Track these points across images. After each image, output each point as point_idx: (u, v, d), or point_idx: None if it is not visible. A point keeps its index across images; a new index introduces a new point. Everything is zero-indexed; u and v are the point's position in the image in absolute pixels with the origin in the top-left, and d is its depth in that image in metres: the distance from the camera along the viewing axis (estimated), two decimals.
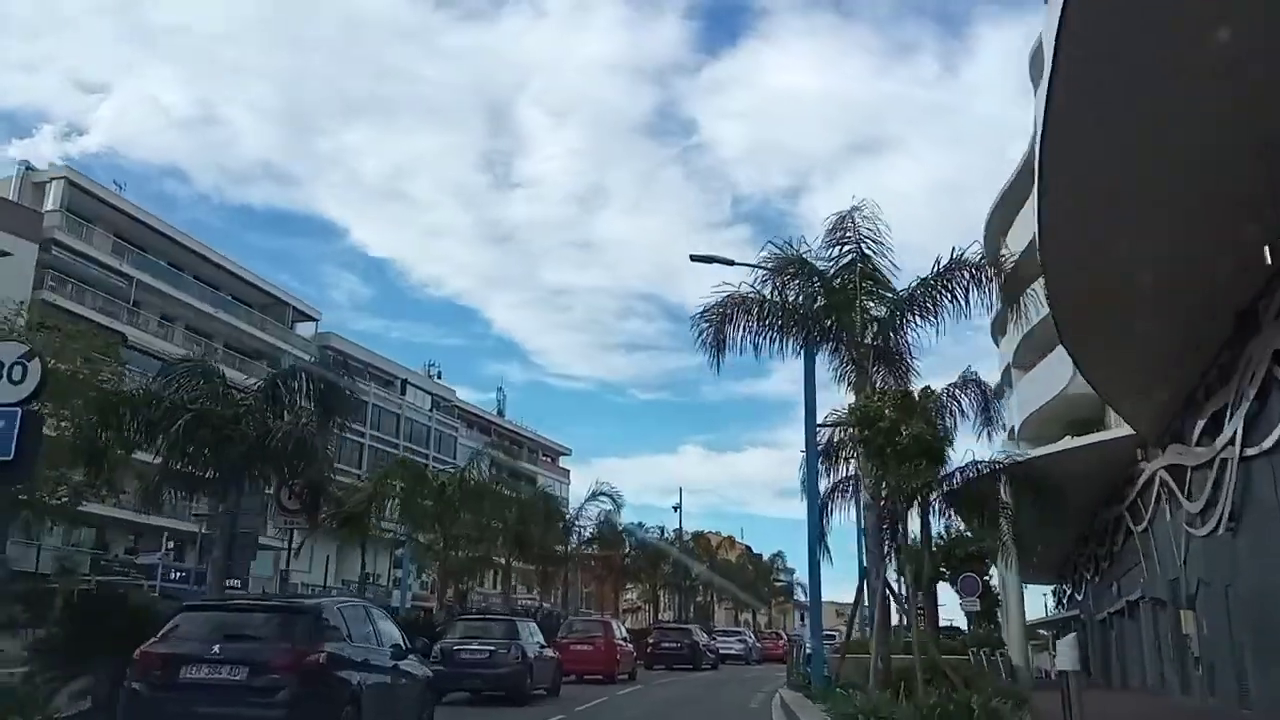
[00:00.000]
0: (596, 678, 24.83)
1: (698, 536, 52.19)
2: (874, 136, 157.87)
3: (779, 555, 65.55)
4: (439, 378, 68.29)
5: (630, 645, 28.96)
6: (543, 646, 19.80)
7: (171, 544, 40.09)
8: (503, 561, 35.35)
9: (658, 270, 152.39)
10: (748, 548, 67.60)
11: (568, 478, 76.24)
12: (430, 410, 64.53)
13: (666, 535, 46.19)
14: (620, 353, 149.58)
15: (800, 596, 68.95)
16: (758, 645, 45.11)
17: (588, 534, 38.44)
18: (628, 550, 42.70)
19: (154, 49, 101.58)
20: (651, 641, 35.44)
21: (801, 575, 74.32)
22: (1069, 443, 27.19)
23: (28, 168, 41.26)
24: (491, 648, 18.01)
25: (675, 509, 45.95)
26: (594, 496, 36.99)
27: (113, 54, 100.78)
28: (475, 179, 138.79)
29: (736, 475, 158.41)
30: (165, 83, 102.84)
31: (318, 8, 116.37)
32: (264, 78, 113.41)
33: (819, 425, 19.02)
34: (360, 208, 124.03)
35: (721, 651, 39.40)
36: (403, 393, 62.50)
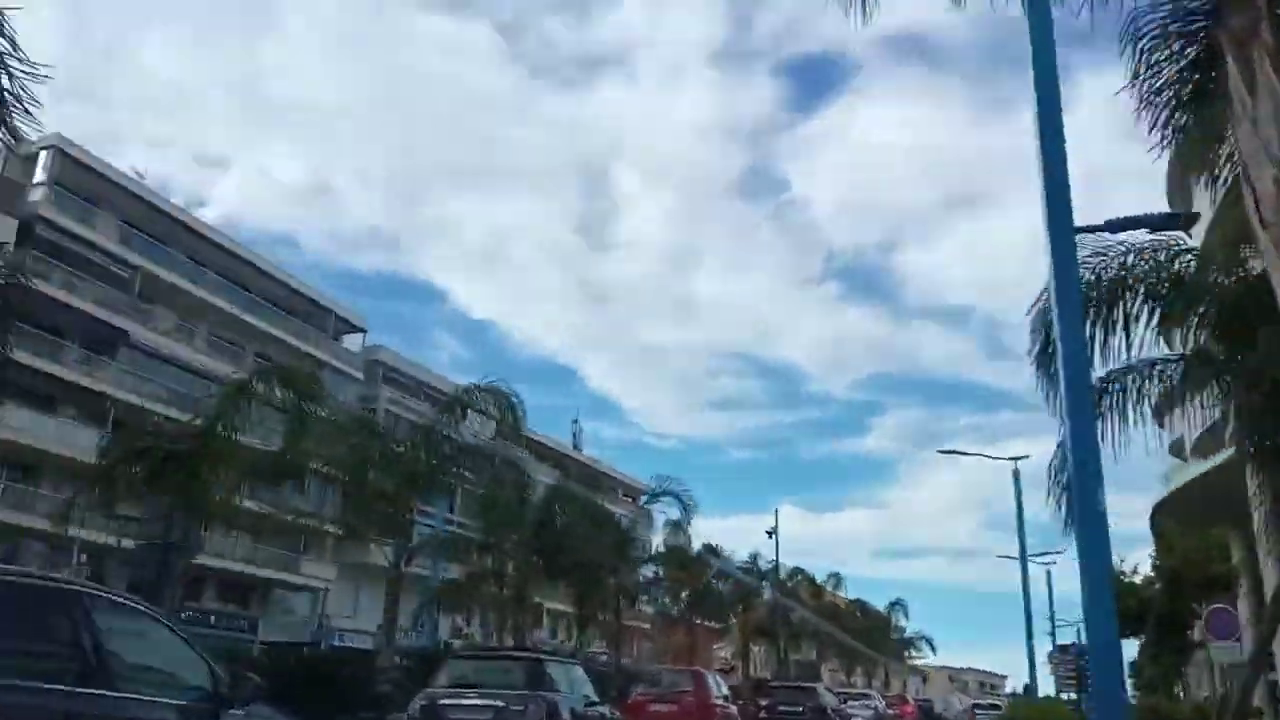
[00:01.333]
0: None
1: (796, 573, 42.53)
2: (969, 191, 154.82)
3: (898, 603, 55.98)
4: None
5: (733, 708, 20.81)
6: (592, 703, 11.81)
7: (84, 557, 31.19)
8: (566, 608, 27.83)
9: (751, 328, 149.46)
10: (858, 600, 56.79)
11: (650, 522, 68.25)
12: (493, 438, 57.25)
13: (758, 569, 37.38)
14: (714, 410, 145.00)
15: (929, 655, 59.16)
16: (888, 712, 36.12)
17: (652, 552, 30.09)
18: (706, 581, 34.13)
19: (272, 123, 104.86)
20: (765, 704, 27.16)
21: (926, 629, 64.32)
22: None
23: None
24: (500, 702, 10.22)
25: (770, 534, 37.23)
26: (655, 498, 28.70)
27: (234, 129, 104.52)
28: (571, 240, 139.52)
29: (835, 536, 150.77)
30: (281, 156, 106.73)
31: (428, 82, 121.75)
32: (373, 148, 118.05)
33: None
34: (461, 272, 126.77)
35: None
36: (463, 416, 55.41)
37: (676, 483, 28.57)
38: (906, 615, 55.43)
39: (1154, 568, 25.45)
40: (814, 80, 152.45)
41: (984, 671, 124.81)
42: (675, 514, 29.32)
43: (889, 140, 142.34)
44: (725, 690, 20.79)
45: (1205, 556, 30.62)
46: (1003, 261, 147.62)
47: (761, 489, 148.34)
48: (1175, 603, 31.57)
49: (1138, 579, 32.79)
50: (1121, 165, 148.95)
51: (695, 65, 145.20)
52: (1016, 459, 27.98)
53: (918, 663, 72.25)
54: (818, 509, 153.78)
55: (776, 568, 35.79)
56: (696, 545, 32.52)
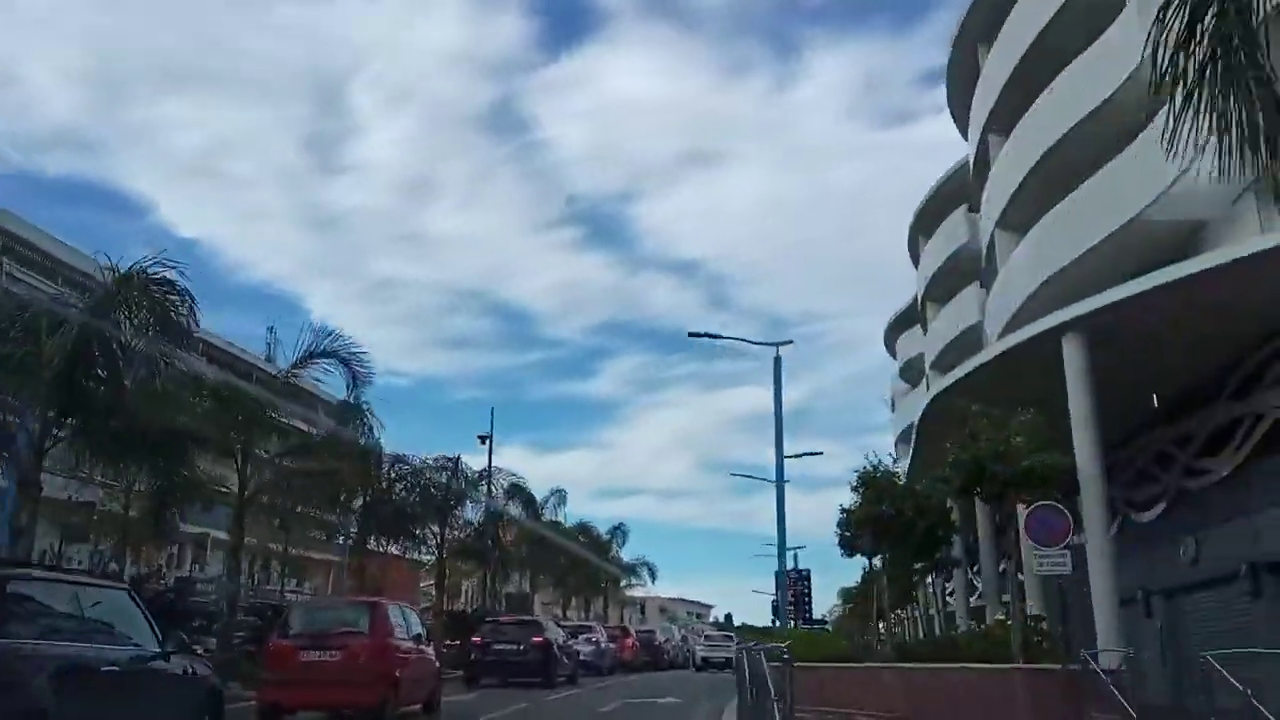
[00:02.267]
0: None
1: (515, 490, 36.70)
2: (707, 148, 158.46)
3: (620, 529, 52.70)
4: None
5: (429, 651, 15.56)
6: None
7: None
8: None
9: (487, 268, 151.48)
10: (583, 523, 49.75)
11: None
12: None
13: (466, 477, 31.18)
14: (445, 348, 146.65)
15: (649, 584, 56.69)
16: (610, 646, 32.29)
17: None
18: (386, 483, 27.30)
19: None
20: (479, 644, 22.16)
21: (649, 557, 61.93)
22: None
23: None
24: None
25: (483, 440, 31.77)
26: (307, 362, 19.58)
27: None
28: (299, 159, 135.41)
29: (559, 476, 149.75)
30: None
31: None
32: (73, 37, 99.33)
33: None
34: (170, 183, 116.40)
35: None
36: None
37: (344, 342, 20.14)
38: (625, 541, 52.30)
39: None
40: (567, 23, 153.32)
41: (692, 602, 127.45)
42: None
43: (635, 92, 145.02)
44: (420, 629, 15.40)
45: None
46: (733, 219, 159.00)
47: (487, 429, 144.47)
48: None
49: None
50: (841, 141, 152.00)
51: None
52: (779, 344, 26.30)
53: (635, 593, 70.30)
54: (543, 449, 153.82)
55: (490, 478, 30.49)
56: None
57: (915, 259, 44.00)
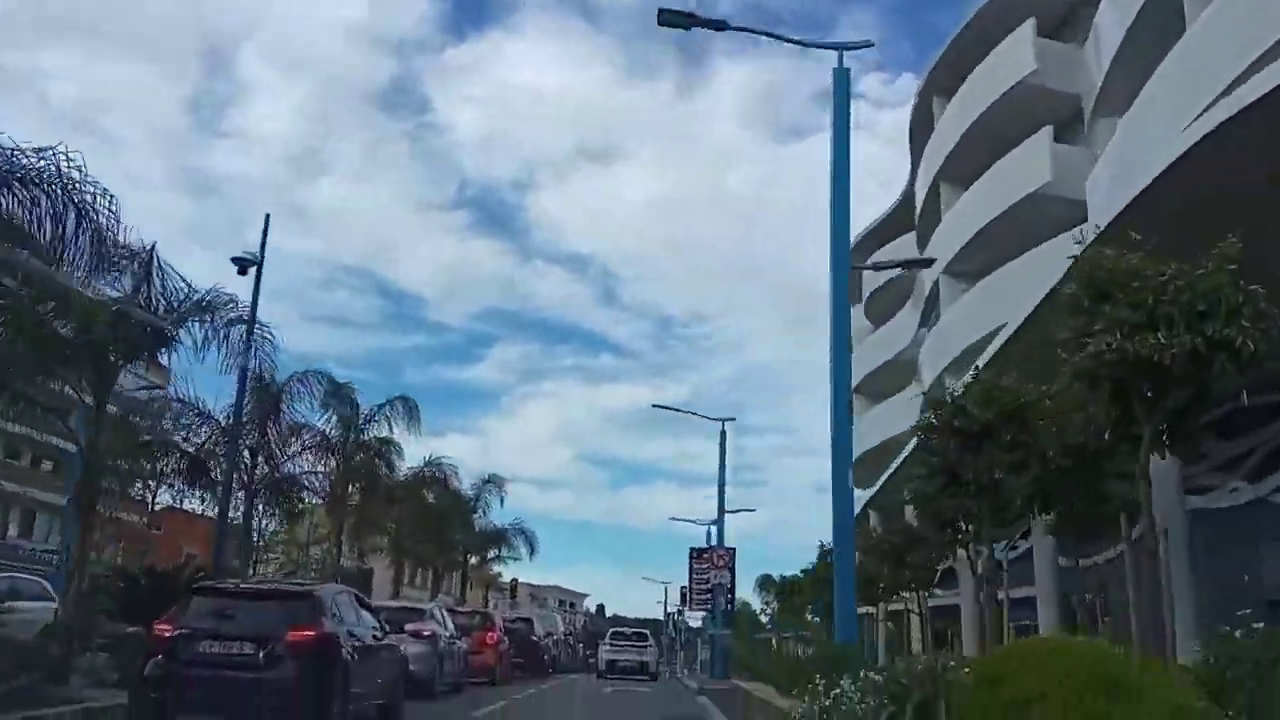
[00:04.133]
0: None
1: (334, 390, 23.20)
2: (604, 144, 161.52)
3: (492, 481, 38.73)
4: None
5: None
6: None
7: None
8: None
9: (373, 246, 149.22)
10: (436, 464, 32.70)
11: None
12: None
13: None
14: (324, 326, 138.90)
15: (524, 558, 42.73)
16: (460, 646, 19.02)
17: None
18: None
19: None
20: (164, 635, 10.01)
21: (524, 513, 47.97)
22: None
23: None
24: None
25: (242, 267, 17.30)
26: None
27: None
28: (180, 120, 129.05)
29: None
30: None
31: None
32: None
33: None
34: (39, 138, 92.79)
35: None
36: None
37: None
38: (502, 502, 38.42)
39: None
40: (472, 6, 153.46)
41: (565, 589, 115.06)
42: None
43: (536, 82, 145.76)
44: None
45: None
46: (626, 217, 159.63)
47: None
48: None
49: None
50: (738, 149, 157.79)
51: None
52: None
53: (499, 573, 56.51)
54: (419, 433, 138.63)
55: (251, 329, 15.80)
56: None
57: None
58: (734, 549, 31.24)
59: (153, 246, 14.12)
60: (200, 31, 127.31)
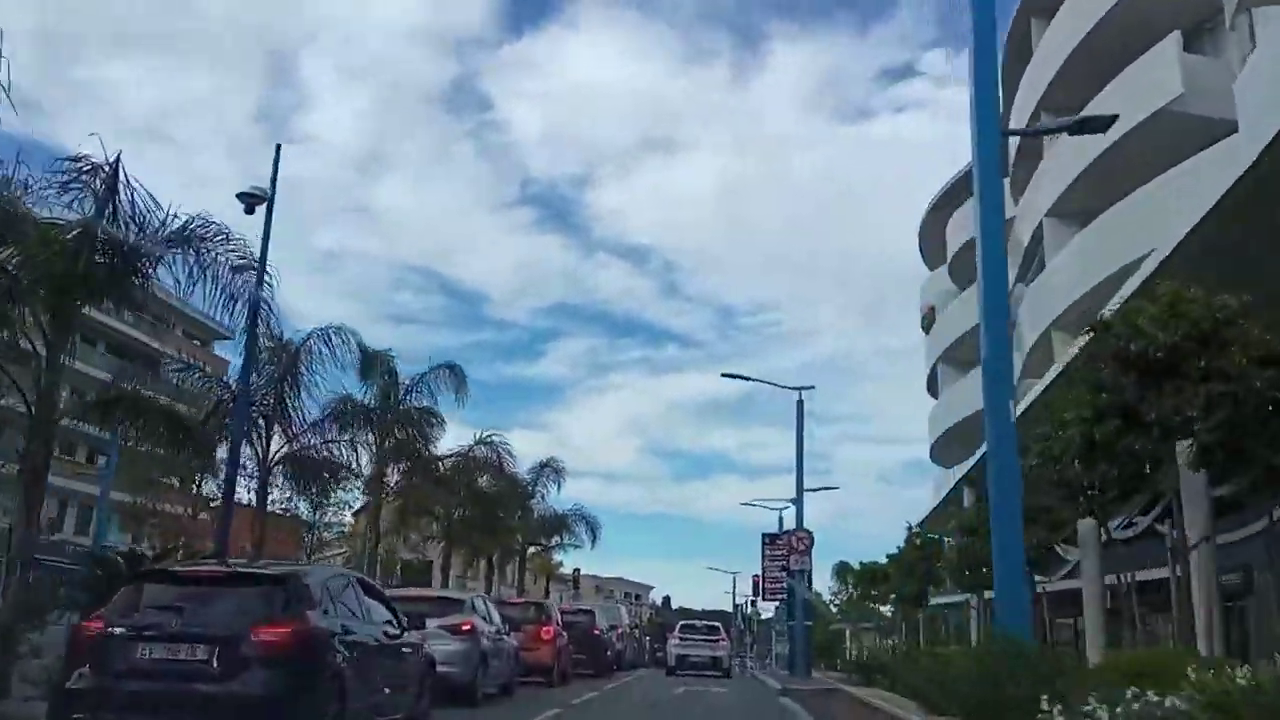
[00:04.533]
0: None
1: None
2: (664, 136, 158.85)
3: (550, 465, 35.95)
4: None
5: None
6: None
7: None
8: None
9: (437, 245, 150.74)
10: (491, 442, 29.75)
11: None
12: None
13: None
14: (390, 324, 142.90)
15: (587, 546, 39.86)
16: (508, 643, 16.27)
17: None
18: None
19: None
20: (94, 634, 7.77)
21: (591, 506, 45.28)
22: None
23: None
24: None
25: (249, 204, 13.88)
26: None
27: None
28: (249, 129, 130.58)
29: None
30: None
31: None
32: None
33: None
34: (115, 147, 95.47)
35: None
36: None
37: None
38: (559, 487, 35.63)
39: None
40: (529, 3, 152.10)
41: (630, 582, 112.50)
42: None
43: (595, 76, 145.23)
44: None
45: None
46: (686, 207, 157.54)
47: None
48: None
49: None
50: (800, 134, 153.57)
51: None
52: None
53: (568, 565, 53.81)
54: (486, 429, 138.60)
55: (262, 277, 12.83)
56: None
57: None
58: (812, 532, 28.04)
59: (117, 157, 11.54)
60: (265, 38, 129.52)
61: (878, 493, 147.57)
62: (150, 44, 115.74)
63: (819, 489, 38.96)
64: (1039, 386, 21.93)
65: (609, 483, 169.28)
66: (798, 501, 26.16)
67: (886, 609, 51.70)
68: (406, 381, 23.07)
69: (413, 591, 16.09)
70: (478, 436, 28.57)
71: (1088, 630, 22.71)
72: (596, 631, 25.33)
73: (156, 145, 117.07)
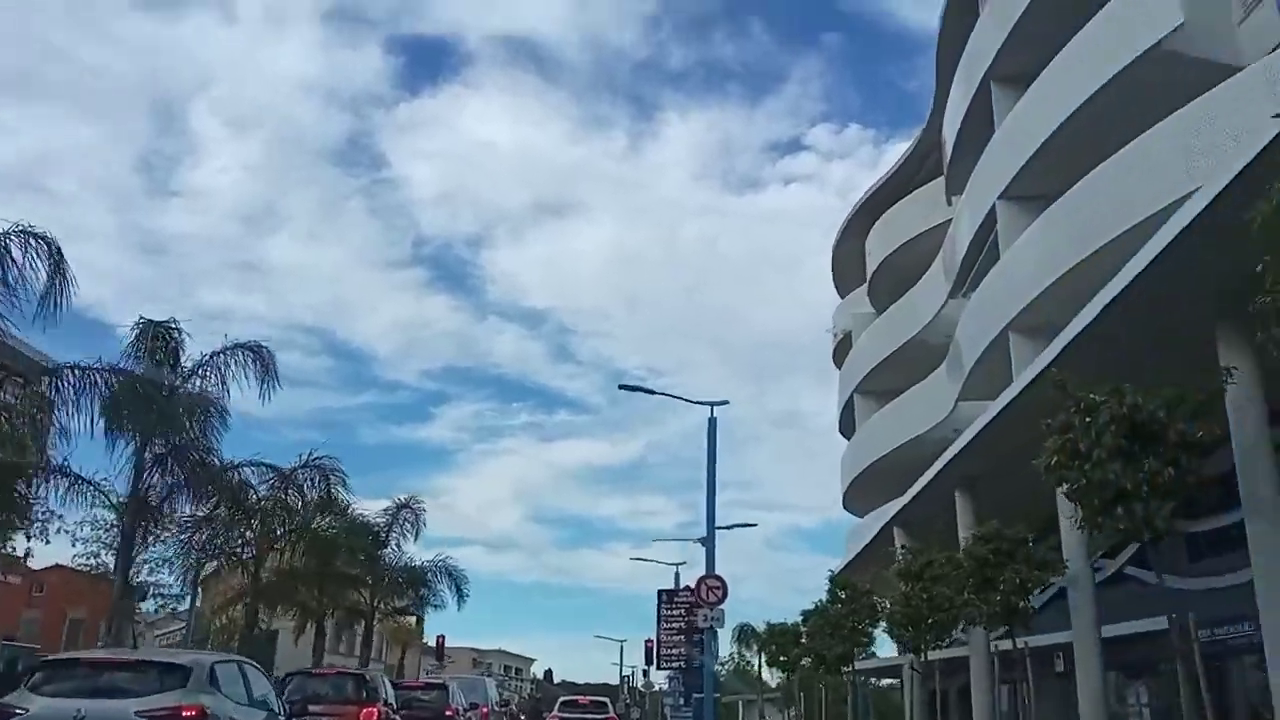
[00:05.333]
0: None
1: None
2: (559, 199, 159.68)
3: (408, 507, 29.55)
4: None
5: None
6: None
7: None
8: None
9: (326, 304, 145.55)
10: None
11: None
12: None
13: None
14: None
15: (451, 604, 33.14)
16: None
17: None
18: None
19: None
20: None
21: (461, 562, 38.45)
22: None
23: None
24: None
25: None
26: None
27: None
28: (130, 180, 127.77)
29: None
30: None
31: None
32: None
33: None
34: None
35: None
36: None
37: None
38: (417, 534, 29.23)
39: None
40: (427, 62, 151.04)
41: (512, 654, 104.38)
42: None
43: (492, 138, 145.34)
44: None
45: None
46: (580, 271, 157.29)
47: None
48: None
49: None
50: (691, 202, 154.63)
51: (302, 18, 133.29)
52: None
53: (416, 630, 46.42)
54: (369, 494, 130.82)
55: None
56: None
57: None
58: (724, 579, 22.42)
59: None
60: (150, 88, 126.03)
61: (762, 558, 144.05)
62: (24, 89, 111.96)
63: (734, 525, 34.10)
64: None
65: (494, 551, 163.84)
66: (709, 540, 20.97)
67: (777, 677, 46.71)
68: (189, 365, 17.07)
69: (99, 655, 10.05)
70: (303, 457, 22.27)
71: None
72: (450, 712, 19.25)
73: (28, 194, 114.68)
